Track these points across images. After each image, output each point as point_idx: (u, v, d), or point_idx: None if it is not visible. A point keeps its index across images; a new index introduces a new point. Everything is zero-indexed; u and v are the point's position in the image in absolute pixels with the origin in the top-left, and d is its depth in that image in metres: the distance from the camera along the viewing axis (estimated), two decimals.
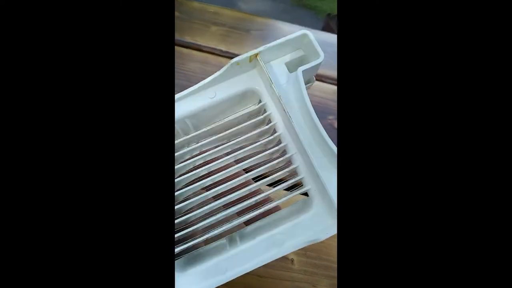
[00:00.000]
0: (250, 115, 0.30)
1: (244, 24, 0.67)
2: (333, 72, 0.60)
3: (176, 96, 0.29)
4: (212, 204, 0.28)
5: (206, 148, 0.30)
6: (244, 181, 0.28)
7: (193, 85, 0.29)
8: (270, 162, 0.28)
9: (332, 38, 0.66)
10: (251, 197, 0.28)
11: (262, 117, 0.29)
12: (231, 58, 0.56)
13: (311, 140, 0.27)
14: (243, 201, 0.28)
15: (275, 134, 0.29)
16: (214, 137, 0.29)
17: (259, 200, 0.28)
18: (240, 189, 0.28)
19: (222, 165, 0.29)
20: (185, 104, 0.29)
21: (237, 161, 0.29)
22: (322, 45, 0.60)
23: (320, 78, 0.58)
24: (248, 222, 0.29)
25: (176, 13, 0.65)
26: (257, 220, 0.29)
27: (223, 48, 0.61)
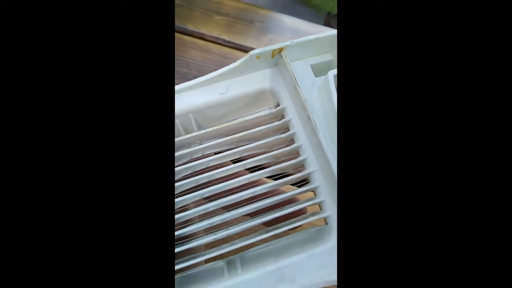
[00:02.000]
0: (264, 120, 0.26)
1: (247, 15, 0.65)
2: None
3: (182, 85, 0.25)
4: (215, 219, 0.24)
5: (210, 152, 0.26)
6: (252, 195, 0.24)
7: (194, 73, 0.25)
8: (285, 176, 0.24)
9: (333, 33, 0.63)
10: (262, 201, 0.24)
11: (279, 123, 0.25)
12: (234, 48, 0.58)
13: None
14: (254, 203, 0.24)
15: (293, 145, 0.24)
16: (220, 140, 0.25)
17: (278, 202, 0.24)
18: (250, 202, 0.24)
19: (228, 173, 0.25)
20: (191, 97, 0.25)
21: (246, 172, 0.25)
22: None
23: None
24: (269, 223, 0.24)
25: (178, 1, 0.63)
26: (277, 224, 0.25)
27: (226, 37, 0.59)
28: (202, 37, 0.58)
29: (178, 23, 0.59)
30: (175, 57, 0.54)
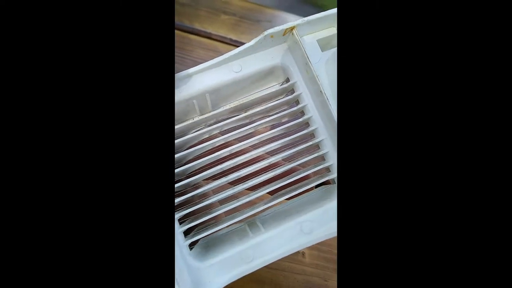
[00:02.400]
0: (276, 95, 0.28)
1: (254, 15, 0.66)
2: None
3: (199, 67, 0.26)
4: (235, 189, 0.26)
5: (227, 128, 0.27)
6: (268, 164, 0.26)
7: None
8: (297, 146, 0.26)
9: None
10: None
11: (291, 97, 0.26)
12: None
13: None
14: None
15: (304, 117, 0.26)
16: (238, 117, 0.26)
17: (285, 170, 0.27)
18: (264, 172, 0.26)
19: (245, 147, 0.26)
20: (207, 77, 0.27)
21: (261, 144, 0.27)
22: None
23: None
24: (273, 192, 0.27)
25: (185, 0, 0.64)
26: (286, 189, 0.27)
27: (233, 37, 0.60)
28: (209, 36, 0.59)
29: (185, 22, 0.59)
30: (183, 56, 0.55)
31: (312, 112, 0.26)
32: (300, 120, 0.26)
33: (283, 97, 0.27)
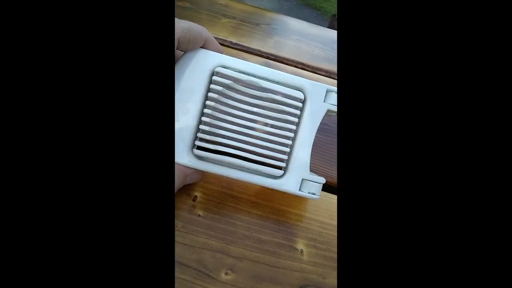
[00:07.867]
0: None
1: (253, 18, 0.66)
2: None
3: None
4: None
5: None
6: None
7: None
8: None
9: None
10: None
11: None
12: (240, 50, 0.59)
13: None
14: None
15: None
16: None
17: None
18: None
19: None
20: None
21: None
22: (329, 42, 0.57)
23: (330, 75, 0.57)
24: None
25: (186, 4, 0.65)
26: None
27: (233, 40, 0.60)
28: None
29: None
30: None
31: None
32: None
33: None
